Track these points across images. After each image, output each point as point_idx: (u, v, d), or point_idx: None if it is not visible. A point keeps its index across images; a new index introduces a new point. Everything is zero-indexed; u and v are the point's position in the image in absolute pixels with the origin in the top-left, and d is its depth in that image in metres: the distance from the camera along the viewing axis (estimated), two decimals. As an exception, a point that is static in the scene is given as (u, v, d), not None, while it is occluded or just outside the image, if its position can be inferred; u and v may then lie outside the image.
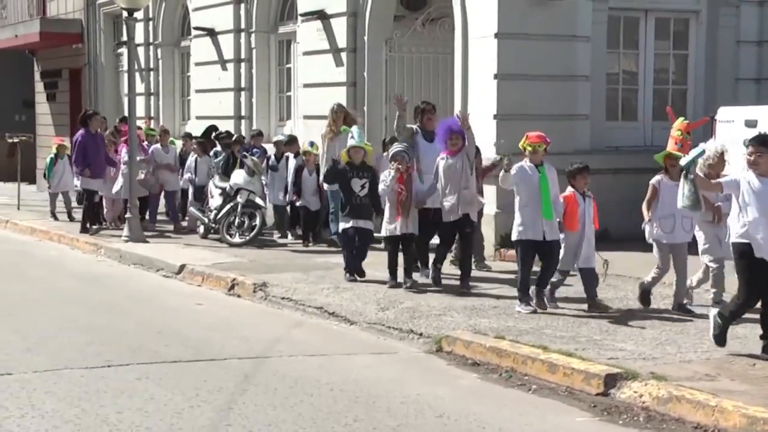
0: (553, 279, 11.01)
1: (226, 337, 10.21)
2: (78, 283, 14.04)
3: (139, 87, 22.38)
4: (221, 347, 9.64)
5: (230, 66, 21.39)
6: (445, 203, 12.16)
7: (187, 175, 18.98)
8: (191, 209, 18.43)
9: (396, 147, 12.53)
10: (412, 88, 17.91)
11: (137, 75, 21.46)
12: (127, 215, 17.50)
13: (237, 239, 16.51)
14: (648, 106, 16.59)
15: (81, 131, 18.35)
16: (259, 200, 16.66)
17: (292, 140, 17.51)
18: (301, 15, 18.96)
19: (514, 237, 11.01)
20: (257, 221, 16.57)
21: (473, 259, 13.02)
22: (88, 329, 10.51)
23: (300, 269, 13.83)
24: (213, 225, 17.20)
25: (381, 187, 12.38)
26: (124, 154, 18.35)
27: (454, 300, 11.48)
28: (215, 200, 17.26)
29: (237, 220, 16.67)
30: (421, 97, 17.90)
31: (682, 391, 7.56)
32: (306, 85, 19.06)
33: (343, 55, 17.97)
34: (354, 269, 12.92)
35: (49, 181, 21.58)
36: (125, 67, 21.66)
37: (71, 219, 20.52)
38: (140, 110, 21.53)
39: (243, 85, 21.18)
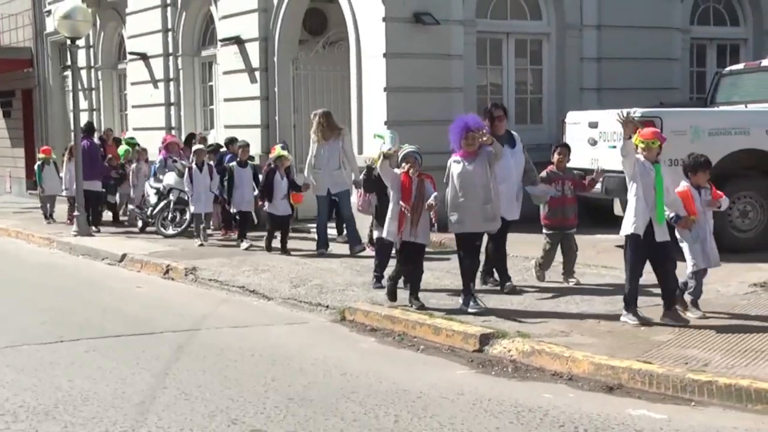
0: (690, 283, 8.70)
1: (162, 314, 10.08)
2: (33, 272, 13.70)
3: (83, 104, 21.98)
4: (158, 323, 9.50)
5: (161, 85, 21.07)
6: (453, 216, 9.24)
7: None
8: (131, 207, 18.11)
9: (407, 148, 9.70)
10: (316, 101, 17.82)
11: (81, 94, 21.10)
12: (75, 213, 17.12)
13: (170, 231, 16.27)
14: (511, 112, 16.71)
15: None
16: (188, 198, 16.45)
17: (232, 140, 16.16)
18: (221, 41, 18.77)
19: (625, 232, 8.45)
20: (187, 216, 16.31)
21: (565, 270, 10.61)
22: (42, 311, 10.27)
23: (224, 255, 13.68)
24: (149, 220, 16.96)
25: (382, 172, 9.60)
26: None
27: (354, 277, 11.43)
28: (151, 198, 17.07)
29: (170, 215, 16.46)
30: (323, 108, 17.98)
31: (542, 346, 7.68)
32: (226, 100, 18.86)
33: (257, 73, 17.83)
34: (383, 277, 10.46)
35: (41, 186, 19.91)
36: (70, 88, 21.17)
37: (52, 220, 19.40)
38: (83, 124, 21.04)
39: (172, 100, 20.87)
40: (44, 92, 26.72)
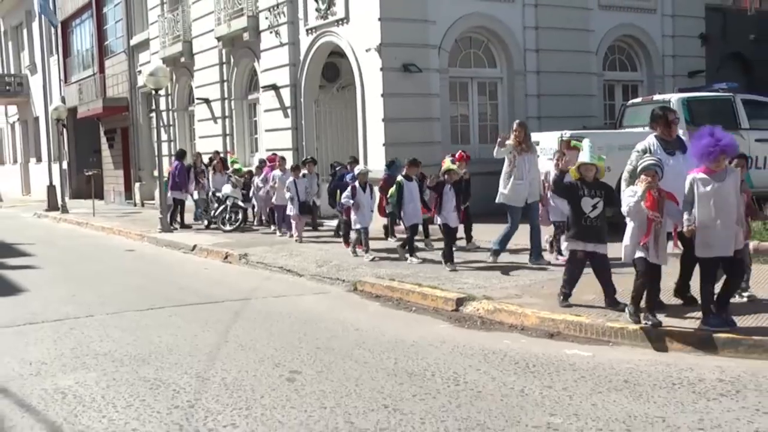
0: None
1: (223, 288, 10.04)
2: (128, 259, 13.67)
3: (164, 137, 21.91)
4: (220, 294, 9.48)
5: (219, 121, 21.04)
6: (701, 239, 6.23)
7: (287, 194, 14.13)
8: (199, 211, 18.08)
9: (648, 159, 6.54)
10: (332, 129, 17.94)
11: (162, 130, 21.08)
12: (159, 216, 17.09)
13: (228, 228, 16.20)
14: (476, 135, 16.75)
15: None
16: (240, 203, 16.44)
17: (414, 162, 11.50)
18: (262, 87, 18.75)
19: None
20: (240, 216, 16.33)
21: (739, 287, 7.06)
22: (136, 287, 10.27)
23: (267, 244, 13.62)
24: (213, 219, 16.93)
25: (624, 208, 6.55)
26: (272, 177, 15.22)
27: (363, 259, 11.31)
28: (213, 204, 17.05)
29: (228, 216, 16.40)
30: (338, 135, 18.03)
31: (501, 305, 7.65)
32: (266, 130, 18.82)
33: (289, 110, 17.79)
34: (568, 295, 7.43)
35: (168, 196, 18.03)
36: (155, 125, 21.25)
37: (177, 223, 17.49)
38: (165, 151, 20.96)
39: (227, 132, 20.83)
40: (136, 129, 26.72)
